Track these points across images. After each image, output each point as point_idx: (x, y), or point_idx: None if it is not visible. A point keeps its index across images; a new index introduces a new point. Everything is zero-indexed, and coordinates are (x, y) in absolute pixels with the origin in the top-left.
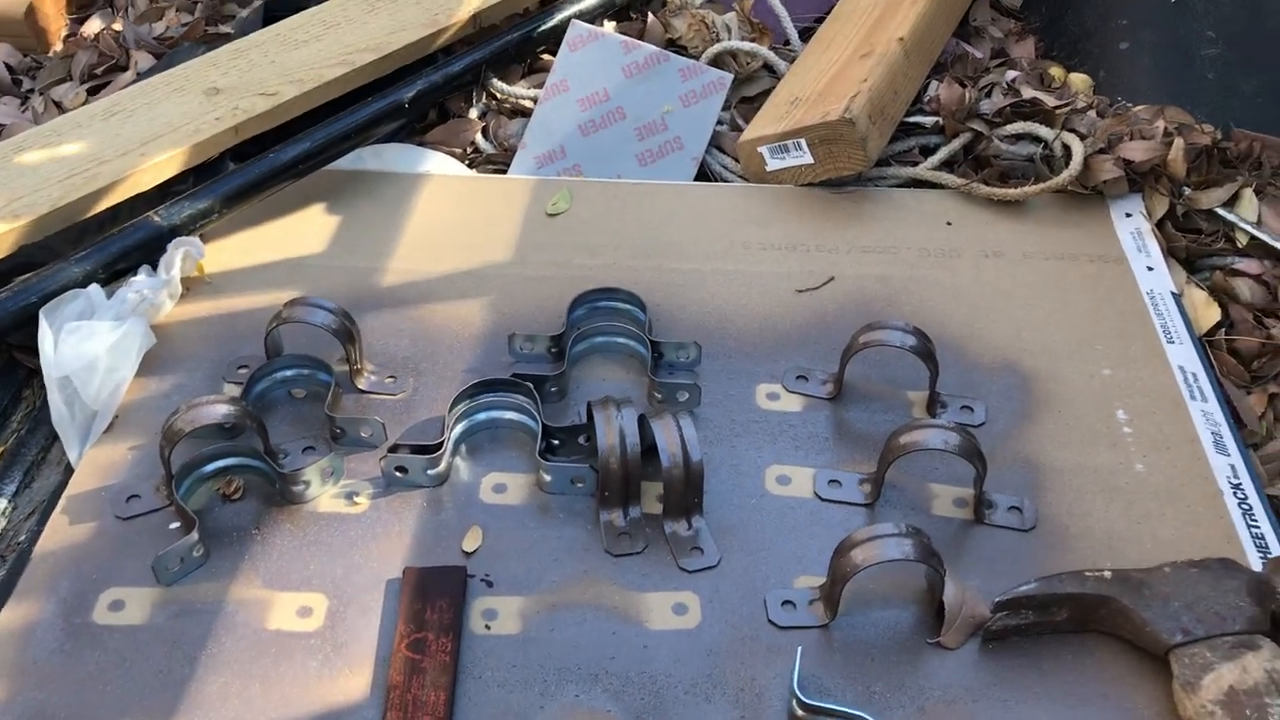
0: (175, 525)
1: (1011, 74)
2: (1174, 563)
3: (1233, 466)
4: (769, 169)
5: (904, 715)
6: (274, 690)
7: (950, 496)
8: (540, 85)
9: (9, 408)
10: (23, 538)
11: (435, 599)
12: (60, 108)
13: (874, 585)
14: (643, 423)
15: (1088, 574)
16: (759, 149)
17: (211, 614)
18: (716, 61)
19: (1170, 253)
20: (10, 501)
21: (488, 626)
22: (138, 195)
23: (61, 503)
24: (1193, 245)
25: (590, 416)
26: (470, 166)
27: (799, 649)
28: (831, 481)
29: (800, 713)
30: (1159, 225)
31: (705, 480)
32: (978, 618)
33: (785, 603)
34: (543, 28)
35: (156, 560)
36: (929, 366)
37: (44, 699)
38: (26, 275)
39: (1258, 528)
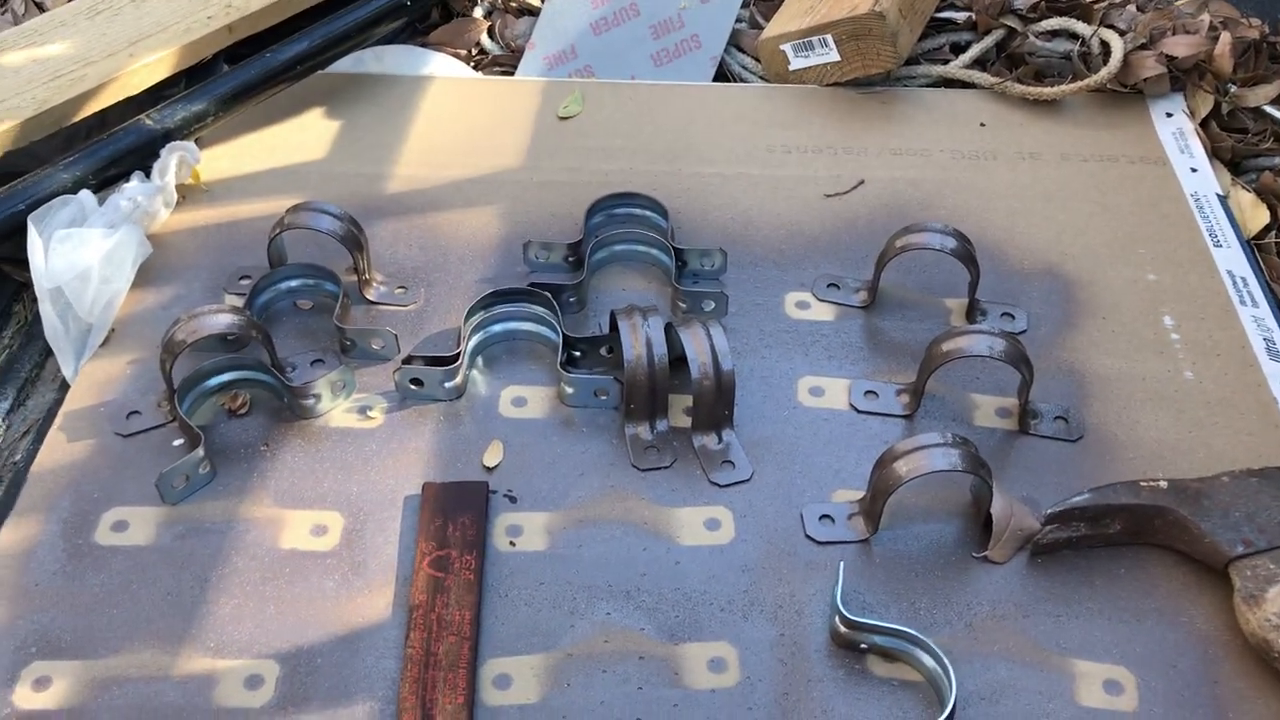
0: (179, 442)
1: None
2: (1232, 472)
3: None
4: (792, 68)
5: (951, 631)
6: (290, 611)
7: (993, 406)
8: None
9: (0, 320)
10: (18, 457)
11: (457, 515)
12: (41, 8)
13: (916, 499)
14: (669, 332)
15: (1142, 484)
16: (782, 47)
17: (220, 534)
18: None
19: (1215, 153)
20: (3, 420)
21: (513, 543)
22: (128, 99)
23: (58, 419)
24: (1238, 145)
25: (614, 326)
26: (475, 69)
27: (841, 563)
28: (868, 392)
29: (844, 629)
30: (1202, 125)
31: (735, 393)
32: (1026, 530)
33: (823, 517)
34: None
35: (160, 478)
36: (970, 270)
37: (47, 622)
38: (13, 181)
39: None
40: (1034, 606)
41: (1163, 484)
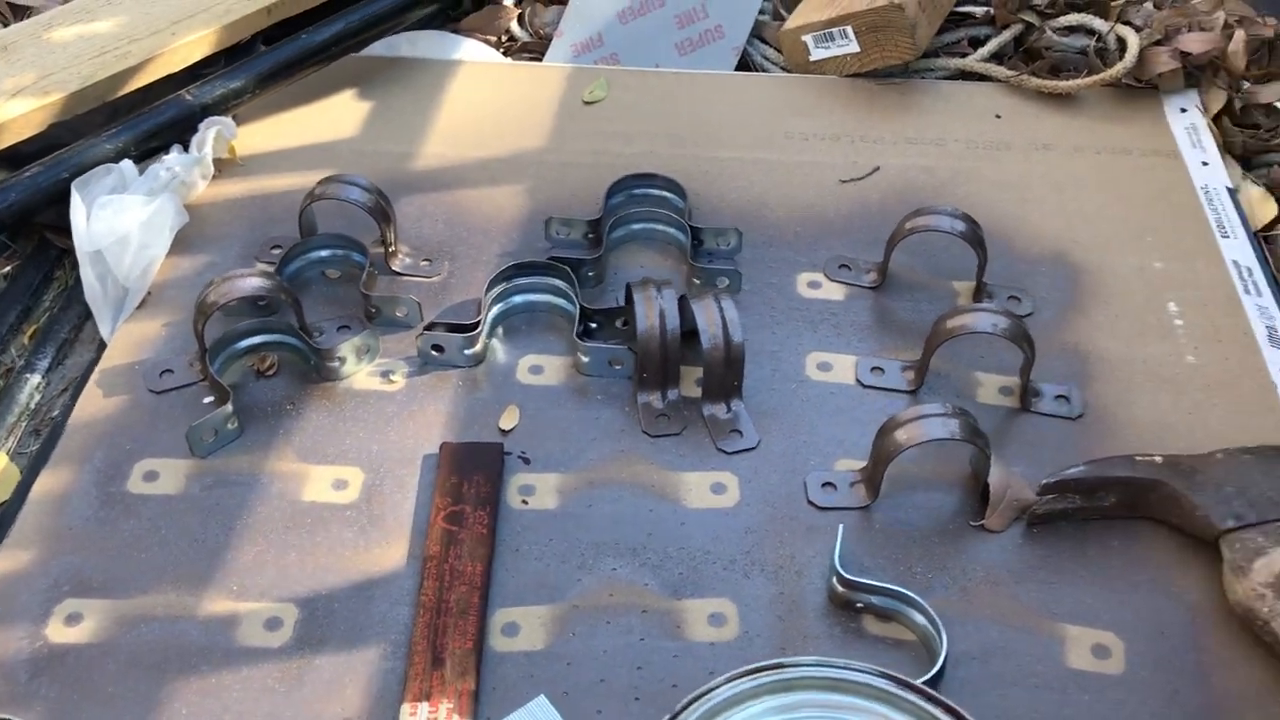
0: (209, 399)
1: None
2: (1226, 449)
3: None
4: (813, 59)
5: (946, 595)
6: (309, 559)
7: (996, 385)
8: None
9: (40, 286)
10: (56, 412)
11: (472, 473)
12: None
13: (916, 469)
14: (683, 305)
15: (1138, 458)
16: (803, 37)
17: (246, 486)
18: None
19: (1226, 148)
20: (44, 377)
21: (525, 502)
22: (169, 76)
23: (95, 376)
24: (1250, 141)
25: (629, 298)
26: (505, 55)
27: (840, 526)
28: (874, 368)
29: (840, 589)
30: (1215, 120)
31: (745, 365)
32: (1023, 501)
33: (825, 484)
34: None
35: (190, 431)
36: (978, 254)
37: (80, 563)
38: (58, 150)
39: None
40: (1027, 574)
41: (1158, 459)
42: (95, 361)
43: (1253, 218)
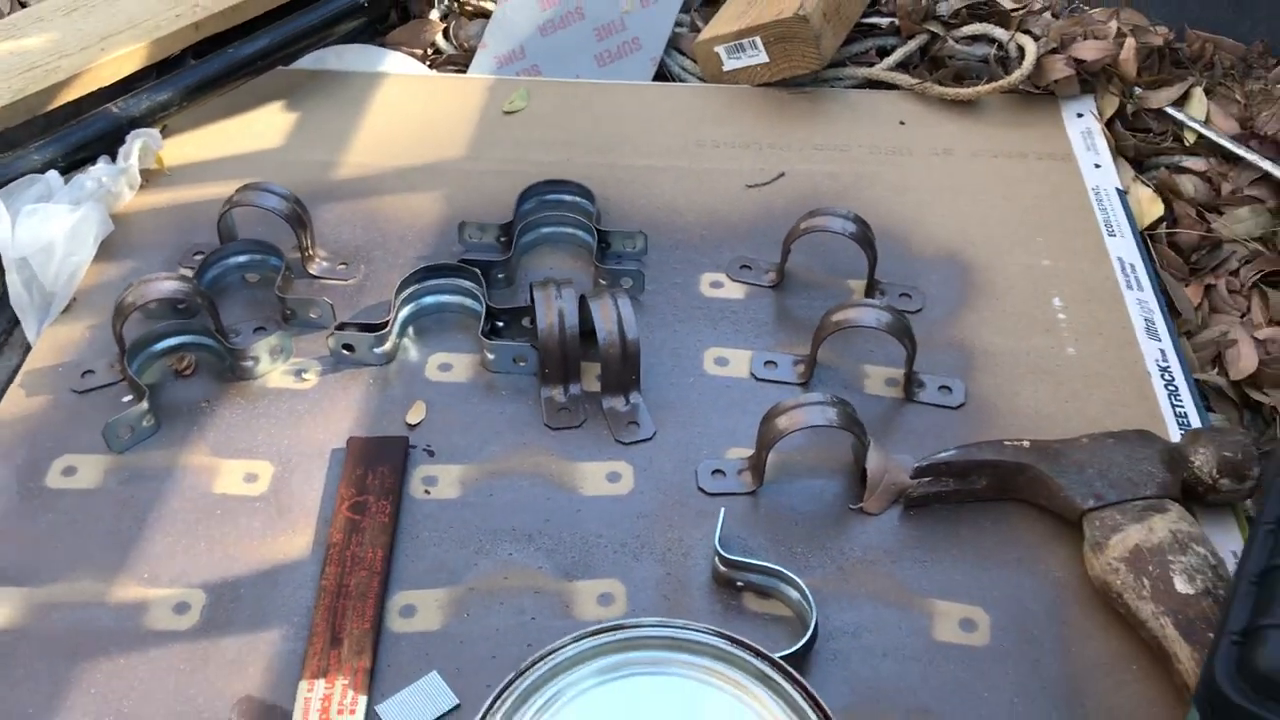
0: (128, 398)
1: None
2: (1092, 434)
3: (1162, 351)
4: (726, 69)
5: (824, 573)
6: (219, 548)
7: (882, 377)
8: None
9: None
10: None
11: (377, 465)
12: (23, 4)
13: (801, 457)
14: (582, 304)
15: (1007, 443)
16: (715, 48)
17: (160, 479)
18: None
19: (1119, 151)
20: None
21: (427, 491)
22: (99, 90)
23: (18, 377)
24: (1141, 144)
25: (533, 298)
26: (430, 67)
27: (722, 510)
28: (768, 362)
29: (722, 568)
30: (1109, 124)
31: (645, 361)
32: (900, 485)
33: (715, 471)
34: None
35: (107, 427)
36: (867, 253)
37: (3, 552)
38: None
39: (1181, 408)
40: (902, 553)
41: (1025, 443)
42: (20, 365)
43: (1140, 217)
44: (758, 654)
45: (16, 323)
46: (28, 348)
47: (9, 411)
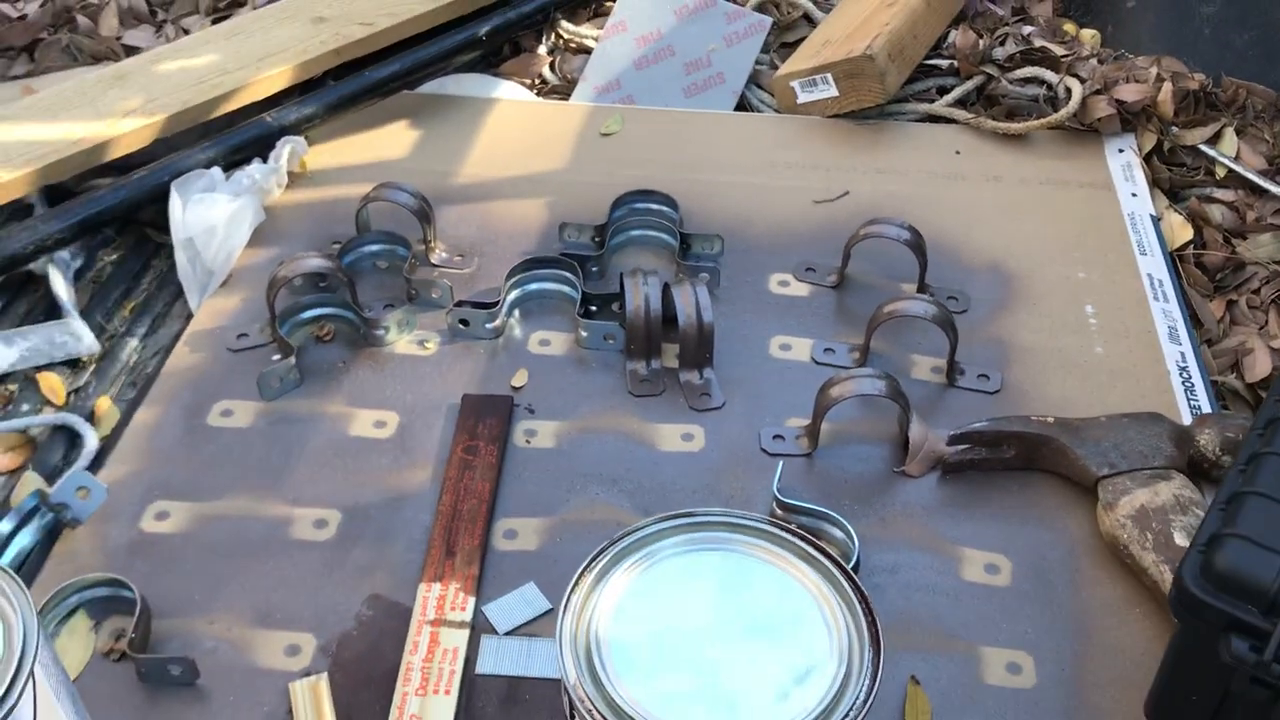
0: (277, 357)
1: (1028, 28)
2: (1110, 414)
3: (1182, 354)
4: (799, 101)
5: (867, 523)
6: (352, 478)
7: (928, 365)
8: (602, 26)
9: (140, 273)
10: (150, 369)
11: (486, 418)
12: (187, 33)
13: (853, 427)
14: (666, 291)
15: (1033, 418)
16: (791, 83)
17: (303, 423)
18: (761, 8)
19: (1155, 183)
20: (140, 341)
21: (528, 441)
22: (254, 103)
23: (183, 338)
24: (1176, 177)
25: (622, 286)
26: (537, 95)
27: (780, 462)
28: (827, 349)
29: (778, 511)
30: (1147, 159)
31: (718, 344)
32: (938, 453)
33: (775, 436)
34: None
35: (260, 377)
36: (919, 259)
37: (168, 475)
38: (161, 158)
39: (1196, 401)
40: (937, 509)
41: (1050, 419)
42: (184, 330)
43: (1171, 240)
44: (804, 539)
45: (178, 296)
46: (189, 316)
47: (175, 365)
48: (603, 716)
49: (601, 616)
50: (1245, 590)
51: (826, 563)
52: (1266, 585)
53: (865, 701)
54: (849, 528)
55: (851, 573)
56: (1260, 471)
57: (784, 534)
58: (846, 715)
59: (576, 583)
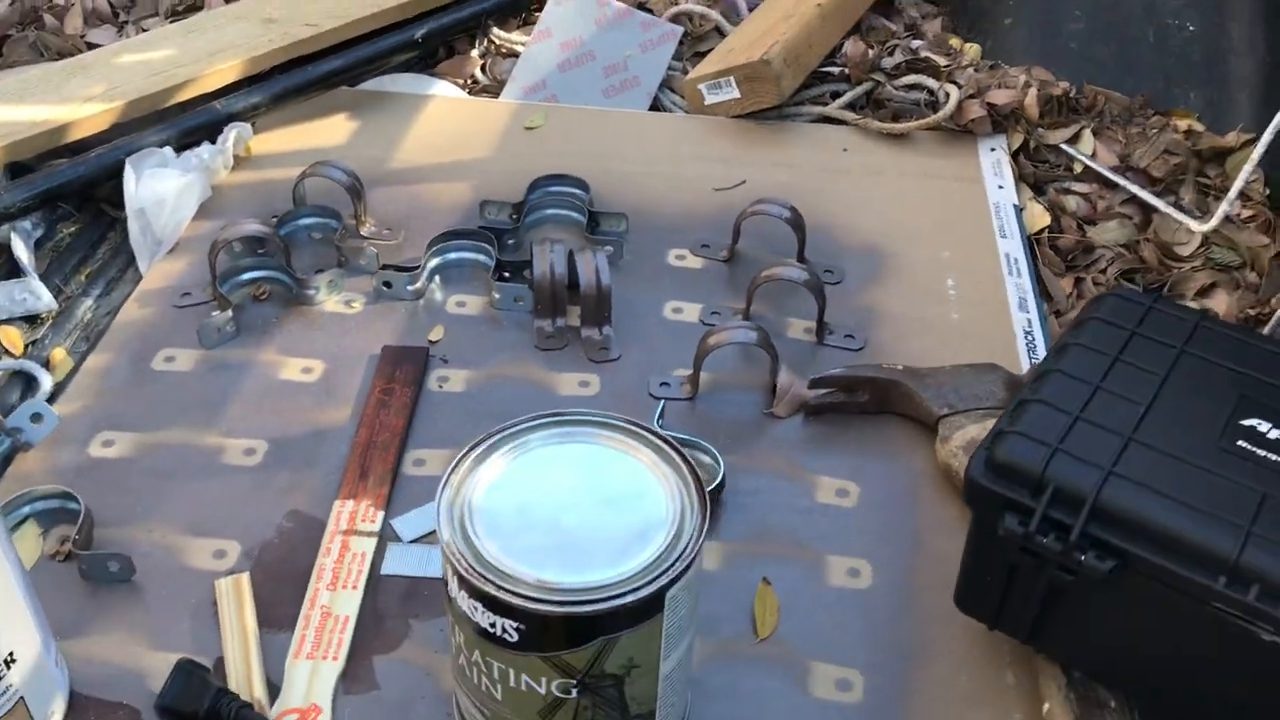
0: (216, 312)
1: (916, 42)
2: (953, 365)
3: (1029, 320)
4: (706, 103)
5: (736, 455)
6: (280, 414)
7: (802, 326)
8: (530, 33)
9: (97, 243)
10: (102, 326)
11: (403, 365)
12: (143, 30)
13: (731, 377)
14: (571, 258)
15: (884, 365)
16: (698, 86)
17: (239, 369)
18: (675, 19)
19: (1021, 177)
20: (95, 301)
21: (440, 385)
22: (205, 94)
23: (133, 295)
24: (1040, 172)
25: (532, 254)
26: (469, 94)
27: (662, 402)
28: (713, 312)
29: None
30: (1015, 156)
31: (617, 307)
32: (802, 397)
33: (662, 383)
34: None
35: (201, 328)
36: (798, 235)
37: (115, 409)
38: (118, 139)
39: (1036, 360)
40: (799, 444)
41: (899, 366)
42: (134, 290)
43: (1031, 225)
44: (653, 432)
45: (132, 262)
46: (139, 279)
47: (125, 319)
48: (470, 567)
49: (475, 491)
50: (1018, 476)
51: (667, 449)
52: (1035, 471)
53: (693, 552)
54: (715, 453)
55: (683, 451)
56: (1045, 384)
57: (636, 428)
58: (674, 562)
59: (456, 465)
